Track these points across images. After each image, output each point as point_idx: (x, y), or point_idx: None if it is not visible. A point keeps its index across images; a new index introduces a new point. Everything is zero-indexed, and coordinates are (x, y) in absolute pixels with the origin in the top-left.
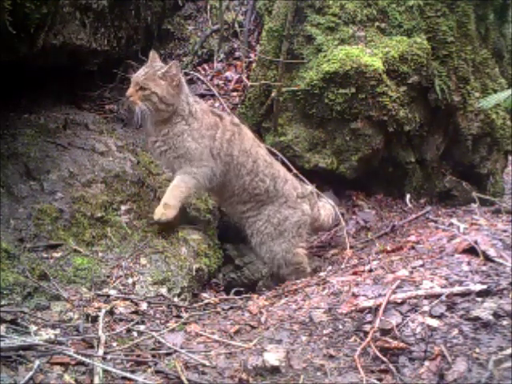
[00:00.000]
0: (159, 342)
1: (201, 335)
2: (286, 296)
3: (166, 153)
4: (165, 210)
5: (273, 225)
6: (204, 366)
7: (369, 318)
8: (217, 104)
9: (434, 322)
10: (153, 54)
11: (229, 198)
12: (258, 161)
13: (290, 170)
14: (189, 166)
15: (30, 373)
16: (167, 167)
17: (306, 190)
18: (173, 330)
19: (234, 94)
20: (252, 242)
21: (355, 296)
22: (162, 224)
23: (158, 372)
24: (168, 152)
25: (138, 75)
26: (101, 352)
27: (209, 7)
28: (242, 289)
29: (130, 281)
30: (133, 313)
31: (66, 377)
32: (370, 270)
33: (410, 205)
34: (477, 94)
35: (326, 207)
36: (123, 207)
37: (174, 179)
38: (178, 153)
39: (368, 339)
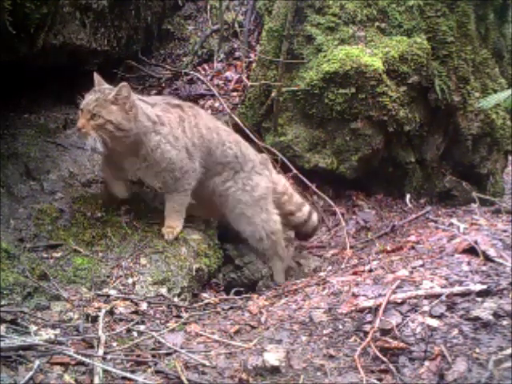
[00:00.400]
0: (159, 342)
1: (201, 335)
2: (286, 296)
3: (147, 169)
4: (171, 229)
5: (248, 192)
6: (204, 365)
7: (369, 318)
8: (217, 104)
9: (434, 322)
10: (97, 77)
11: (209, 177)
12: (219, 132)
13: (290, 170)
14: (173, 180)
15: (30, 373)
16: (150, 183)
17: (262, 157)
18: (173, 330)
19: (234, 93)
20: (232, 217)
21: (355, 296)
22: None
23: (157, 372)
24: (149, 168)
25: (88, 102)
26: (101, 352)
27: (209, 7)
28: (241, 289)
29: (130, 281)
30: (133, 313)
31: (66, 377)
32: (370, 270)
33: (409, 205)
34: (477, 94)
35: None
36: (123, 207)
37: (167, 202)
38: (162, 166)
39: (368, 339)
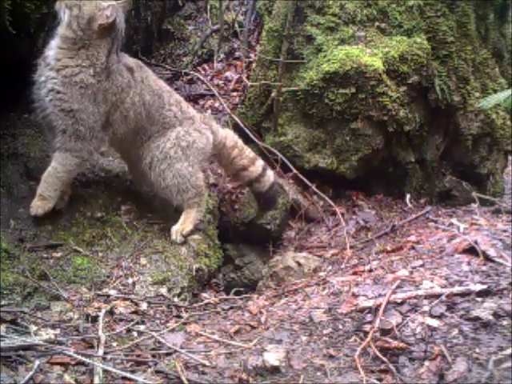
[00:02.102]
0: (159, 342)
1: (201, 335)
2: (286, 296)
3: (58, 101)
4: (43, 201)
5: (182, 148)
6: (204, 365)
7: (369, 317)
8: (217, 104)
9: (434, 322)
10: None
11: (139, 140)
12: (162, 94)
13: (290, 170)
14: (74, 133)
15: (30, 373)
16: (53, 119)
17: (205, 117)
18: (173, 330)
19: (234, 93)
20: (156, 170)
21: (355, 296)
22: None
23: (157, 372)
24: (60, 101)
25: None
26: (101, 352)
27: (209, 7)
28: (241, 289)
29: (130, 281)
30: (133, 313)
31: (66, 377)
32: (370, 270)
33: (410, 205)
34: (477, 94)
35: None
36: (123, 207)
37: (52, 162)
38: (74, 107)
39: (368, 339)
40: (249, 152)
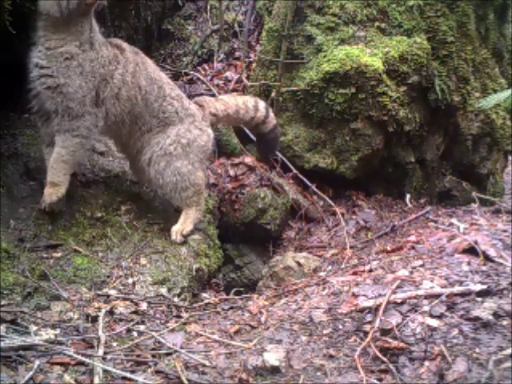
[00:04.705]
0: (159, 342)
1: (201, 335)
2: (286, 296)
3: (45, 78)
4: (55, 188)
5: (182, 146)
6: (204, 366)
7: (369, 317)
8: None
9: (434, 322)
10: None
11: (138, 130)
12: (163, 85)
13: (290, 170)
14: (67, 113)
15: (30, 373)
16: (45, 101)
17: (206, 114)
18: (173, 330)
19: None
20: (155, 167)
21: (355, 296)
22: None
23: (157, 372)
24: (40, 70)
25: None
26: (101, 352)
27: (209, 7)
28: (241, 289)
29: (130, 281)
30: (133, 313)
31: (66, 377)
32: (370, 270)
33: (410, 205)
34: (477, 94)
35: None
36: (123, 207)
37: (55, 147)
38: (61, 82)
39: (368, 339)
40: (250, 102)
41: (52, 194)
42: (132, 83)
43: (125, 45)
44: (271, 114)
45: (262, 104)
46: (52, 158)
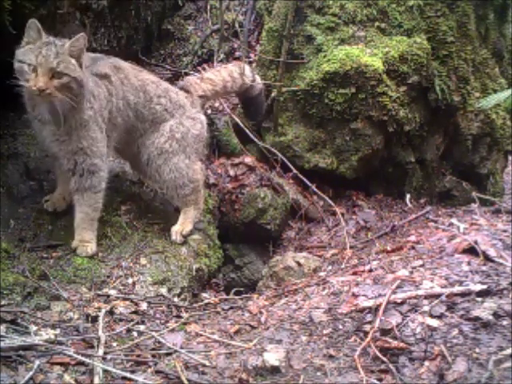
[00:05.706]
0: (159, 342)
1: (201, 335)
2: (286, 296)
3: (64, 145)
4: (85, 244)
5: (177, 141)
6: (204, 366)
7: (369, 317)
8: (217, 104)
9: (434, 322)
10: (35, 25)
11: (132, 138)
12: (146, 88)
13: (290, 170)
14: (87, 169)
15: (30, 373)
16: (61, 160)
17: (192, 97)
18: (173, 330)
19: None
20: (153, 166)
21: (355, 296)
22: None
23: (158, 372)
24: (67, 144)
25: (48, 58)
26: (101, 352)
27: (209, 7)
28: (241, 289)
29: (130, 281)
30: (133, 313)
31: (66, 377)
32: (370, 270)
33: (410, 205)
34: (477, 94)
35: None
36: (123, 207)
37: (78, 206)
38: (83, 145)
39: (368, 339)
40: (235, 71)
41: (84, 251)
42: (123, 106)
43: (107, 67)
44: (257, 78)
45: (247, 68)
46: (79, 218)
